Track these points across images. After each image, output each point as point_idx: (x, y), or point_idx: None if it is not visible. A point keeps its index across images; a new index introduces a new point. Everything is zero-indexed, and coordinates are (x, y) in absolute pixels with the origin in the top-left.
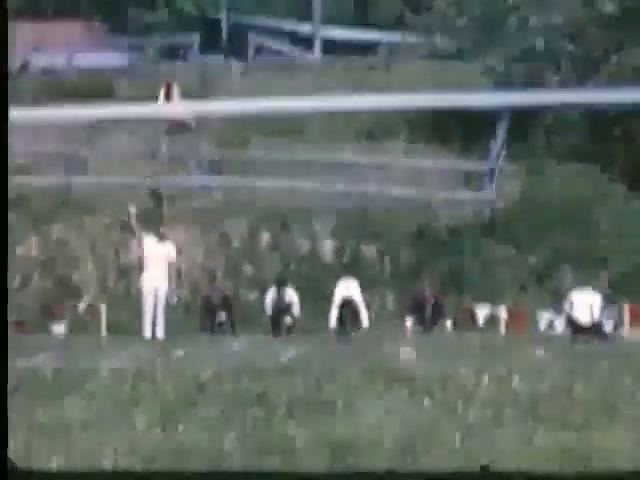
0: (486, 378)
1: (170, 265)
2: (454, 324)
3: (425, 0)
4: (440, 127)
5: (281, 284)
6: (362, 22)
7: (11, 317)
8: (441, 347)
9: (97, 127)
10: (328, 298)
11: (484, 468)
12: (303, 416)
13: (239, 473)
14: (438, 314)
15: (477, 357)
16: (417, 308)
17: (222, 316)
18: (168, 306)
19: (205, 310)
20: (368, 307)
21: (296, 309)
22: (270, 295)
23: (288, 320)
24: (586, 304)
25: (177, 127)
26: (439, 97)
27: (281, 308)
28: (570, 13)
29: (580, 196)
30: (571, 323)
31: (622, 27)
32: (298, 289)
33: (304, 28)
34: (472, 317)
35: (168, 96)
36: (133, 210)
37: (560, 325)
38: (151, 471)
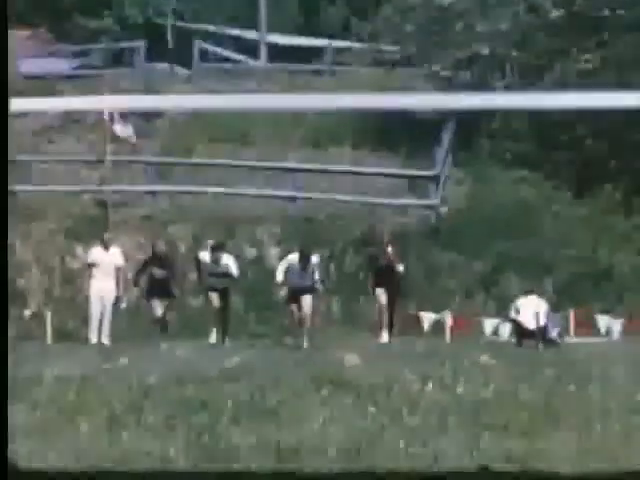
0: (431, 384)
1: (117, 271)
2: (399, 330)
3: (371, 7)
4: (386, 134)
5: (216, 249)
6: (308, 28)
7: None
8: (386, 353)
9: (42, 134)
10: (274, 305)
11: (484, 468)
12: (248, 423)
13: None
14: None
15: (422, 363)
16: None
17: (158, 273)
18: (114, 312)
19: (141, 266)
20: (314, 313)
21: (234, 271)
22: (204, 258)
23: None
24: (531, 310)
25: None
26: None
27: (215, 273)
28: (516, 19)
29: (525, 202)
30: (516, 329)
31: (567, 33)
32: (244, 296)
33: (250, 34)
34: (417, 323)
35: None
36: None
37: (505, 331)
38: (153, 471)
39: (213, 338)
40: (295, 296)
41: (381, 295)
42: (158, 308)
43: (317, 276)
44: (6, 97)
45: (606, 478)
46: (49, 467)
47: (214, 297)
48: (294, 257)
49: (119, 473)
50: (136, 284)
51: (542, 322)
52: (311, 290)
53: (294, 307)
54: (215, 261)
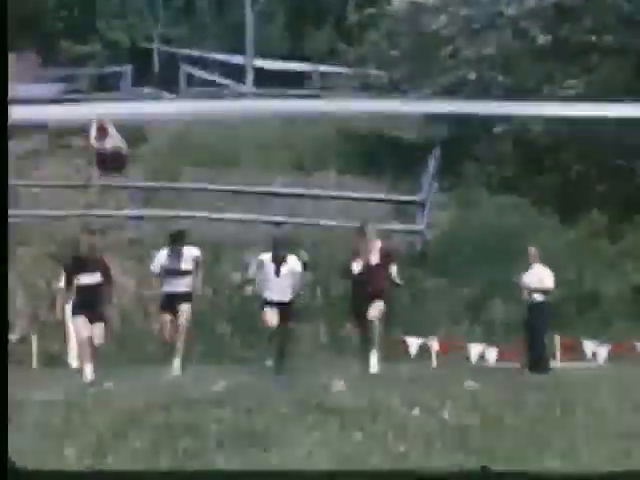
0: (417, 409)
1: None
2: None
3: (358, 32)
4: (371, 159)
5: (176, 239)
6: (295, 53)
7: None
8: (372, 378)
9: (27, 158)
10: (260, 331)
11: (484, 468)
12: (233, 447)
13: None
14: None
15: (408, 388)
16: None
17: (86, 280)
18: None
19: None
20: (300, 339)
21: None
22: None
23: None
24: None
25: (112, 164)
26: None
27: (175, 271)
28: (502, 44)
29: (512, 227)
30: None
31: (554, 59)
32: (229, 320)
33: (236, 59)
34: (404, 348)
35: (101, 130)
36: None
37: (491, 356)
38: (153, 471)
39: (177, 368)
40: (270, 305)
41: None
42: (84, 328)
43: (297, 282)
44: (6, 97)
45: (606, 478)
46: (49, 467)
47: (166, 319)
48: (267, 257)
49: (120, 473)
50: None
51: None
52: (288, 304)
53: (268, 316)
54: (175, 255)
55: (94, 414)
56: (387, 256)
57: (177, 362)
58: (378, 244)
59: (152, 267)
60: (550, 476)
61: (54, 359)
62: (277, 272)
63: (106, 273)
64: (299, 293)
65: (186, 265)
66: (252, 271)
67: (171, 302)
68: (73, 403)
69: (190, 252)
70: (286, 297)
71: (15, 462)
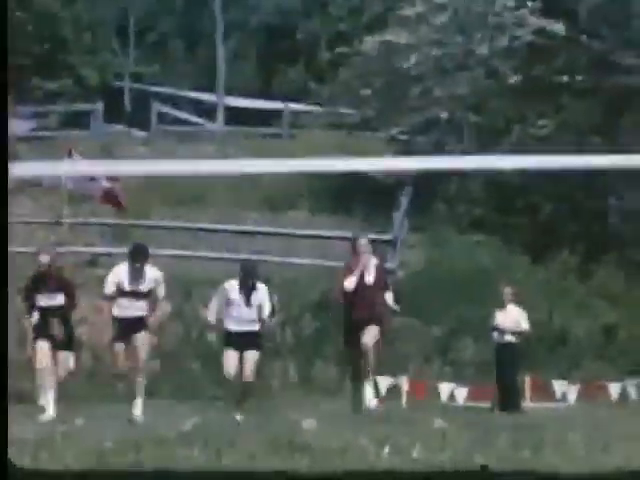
0: (387, 449)
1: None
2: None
3: (329, 70)
4: (343, 197)
5: (137, 257)
6: (266, 91)
7: None
8: (342, 417)
9: None
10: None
11: (484, 468)
12: None
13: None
14: None
15: (379, 427)
16: None
17: (47, 301)
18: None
19: (25, 297)
20: (270, 377)
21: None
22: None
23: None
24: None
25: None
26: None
27: (135, 293)
28: (474, 84)
29: (483, 267)
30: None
31: (525, 98)
32: (199, 358)
33: (208, 97)
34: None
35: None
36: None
37: (461, 396)
38: (153, 471)
39: (138, 409)
40: (238, 343)
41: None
42: (45, 354)
43: (267, 311)
44: (6, 97)
45: (606, 478)
46: (49, 467)
47: (120, 349)
48: (233, 285)
49: (120, 473)
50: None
51: (524, 328)
52: (257, 344)
53: (231, 359)
54: (135, 275)
55: (63, 453)
56: (382, 276)
57: (139, 402)
58: (373, 260)
59: (105, 287)
60: (550, 476)
61: (26, 396)
62: (247, 302)
63: (70, 294)
64: (269, 324)
65: (146, 287)
66: (212, 315)
67: (126, 329)
68: (43, 441)
69: (152, 273)
70: (255, 327)
71: (15, 462)
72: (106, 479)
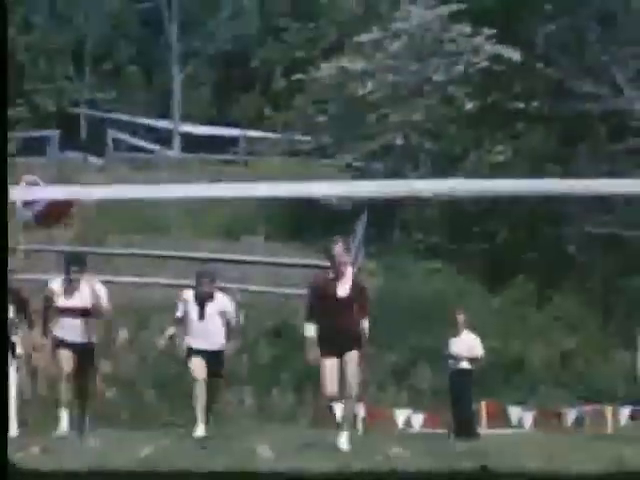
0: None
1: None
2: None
3: (285, 97)
4: (299, 225)
5: (74, 266)
6: (222, 118)
7: None
8: (299, 445)
9: None
10: (186, 395)
11: (484, 468)
12: None
13: None
14: None
15: (335, 455)
16: None
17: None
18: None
19: None
20: (226, 403)
21: (103, 301)
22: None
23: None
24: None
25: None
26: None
27: (70, 309)
28: (430, 110)
29: (438, 294)
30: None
31: (481, 125)
32: (155, 387)
33: (163, 124)
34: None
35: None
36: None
37: (418, 422)
38: (154, 472)
39: (63, 427)
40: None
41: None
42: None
43: (231, 323)
44: (6, 98)
45: (606, 478)
46: (49, 467)
47: (65, 356)
48: (190, 295)
49: (121, 473)
50: None
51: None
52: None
53: (197, 366)
54: (70, 289)
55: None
56: (360, 291)
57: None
58: (349, 269)
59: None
60: (550, 476)
61: None
62: (201, 313)
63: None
64: (233, 340)
65: (83, 302)
66: (179, 313)
67: (71, 350)
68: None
69: (92, 285)
70: (214, 345)
71: (15, 462)
72: (106, 479)
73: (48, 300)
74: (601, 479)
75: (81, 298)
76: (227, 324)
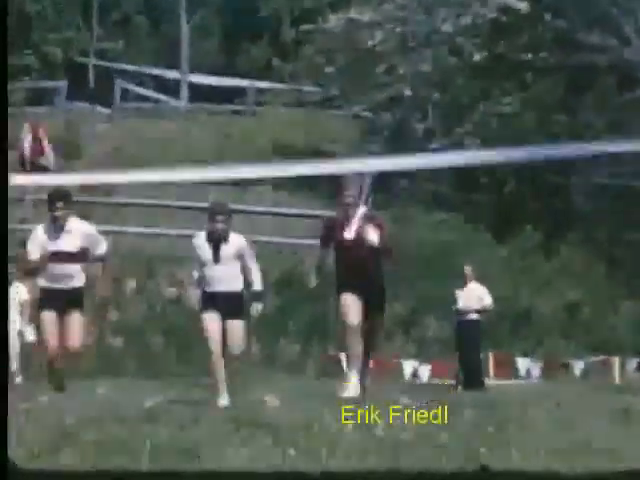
0: (350, 426)
1: (21, 306)
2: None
3: (293, 47)
4: (307, 175)
5: (56, 205)
6: (230, 69)
7: None
8: (306, 394)
9: None
10: (194, 345)
11: (484, 468)
12: (166, 463)
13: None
14: None
15: (342, 405)
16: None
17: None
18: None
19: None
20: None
21: (101, 250)
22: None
23: None
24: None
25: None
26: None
27: (59, 253)
28: (438, 61)
29: (446, 244)
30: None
31: (489, 76)
32: (163, 335)
33: (171, 74)
34: (337, 364)
35: (35, 140)
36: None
37: (425, 373)
38: (156, 471)
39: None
40: (217, 306)
41: (351, 306)
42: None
43: (253, 271)
44: (6, 98)
45: (606, 478)
46: (49, 467)
47: (48, 317)
48: (201, 237)
49: (122, 473)
50: None
51: (487, 304)
52: (238, 310)
53: (210, 326)
54: (55, 230)
55: (25, 429)
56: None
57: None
58: (358, 212)
59: (29, 252)
60: (550, 476)
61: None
62: (215, 256)
63: None
64: (254, 287)
65: (72, 245)
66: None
67: (56, 301)
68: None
69: (79, 227)
70: (234, 286)
71: (15, 462)
72: (106, 479)
73: (26, 261)
74: (601, 479)
75: (69, 242)
76: (244, 271)
